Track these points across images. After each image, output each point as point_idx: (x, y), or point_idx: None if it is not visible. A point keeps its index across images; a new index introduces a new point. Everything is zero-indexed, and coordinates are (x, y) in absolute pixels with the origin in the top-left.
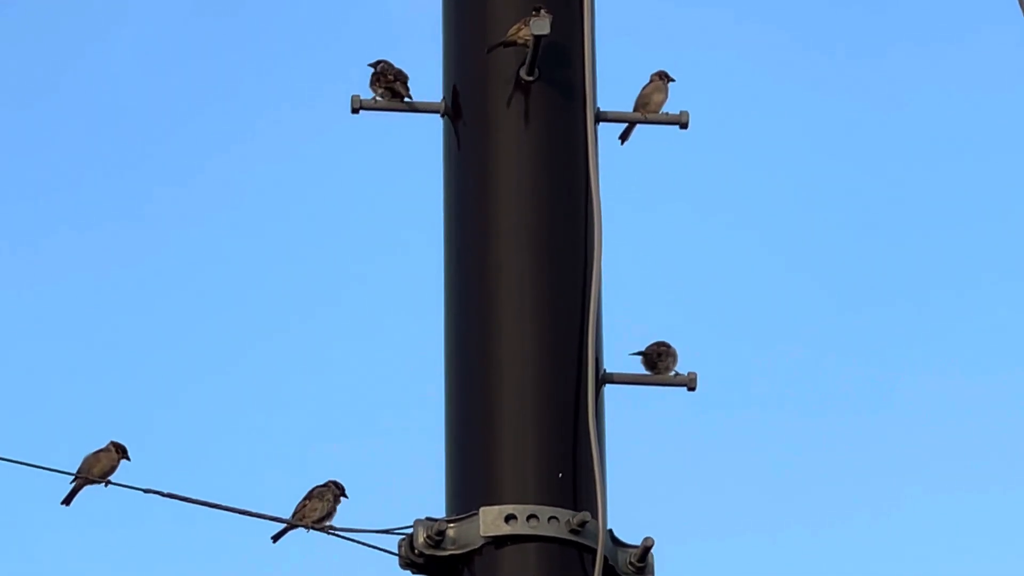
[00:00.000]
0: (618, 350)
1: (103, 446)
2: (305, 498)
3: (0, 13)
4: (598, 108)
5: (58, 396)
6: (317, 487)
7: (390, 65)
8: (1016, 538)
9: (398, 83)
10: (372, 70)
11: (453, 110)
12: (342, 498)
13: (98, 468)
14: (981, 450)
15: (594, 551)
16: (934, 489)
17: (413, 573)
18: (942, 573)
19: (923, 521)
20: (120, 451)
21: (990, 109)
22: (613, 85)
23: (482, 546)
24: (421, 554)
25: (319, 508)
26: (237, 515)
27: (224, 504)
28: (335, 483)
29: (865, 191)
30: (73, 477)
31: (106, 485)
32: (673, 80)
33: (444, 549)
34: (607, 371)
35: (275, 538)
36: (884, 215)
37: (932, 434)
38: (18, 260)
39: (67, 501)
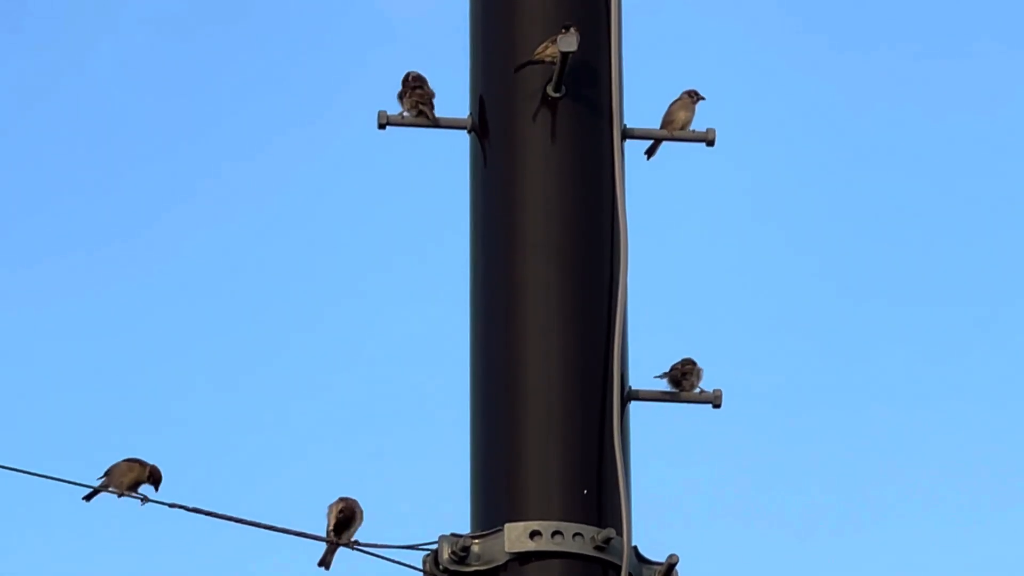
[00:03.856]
0: (644, 367)
1: (141, 460)
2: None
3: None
4: (625, 125)
5: (85, 411)
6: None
7: (420, 83)
8: None
9: (425, 104)
10: (400, 86)
11: (480, 126)
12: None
13: (128, 479)
14: (1011, 453)
15: (619, 568)
16: (963, 500)
17: None
18: None
19: (952, 528)
20: (152, 475)
21: (1014, 121)
22: (640, 102)
23: (507, 562)
24: (446, 570)
25: (330, 519)
26: (261, 530)
27: (248, 519)
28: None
29: (893, 209)
30: (101, 478)
31: (143, 502)
32: (703, 99)
33: (469, 565)
34: (632, 388)
35: (324, 564)
36: (911, 233)
37: (958, 444)
38: (43, 273)
39: (88, 498)
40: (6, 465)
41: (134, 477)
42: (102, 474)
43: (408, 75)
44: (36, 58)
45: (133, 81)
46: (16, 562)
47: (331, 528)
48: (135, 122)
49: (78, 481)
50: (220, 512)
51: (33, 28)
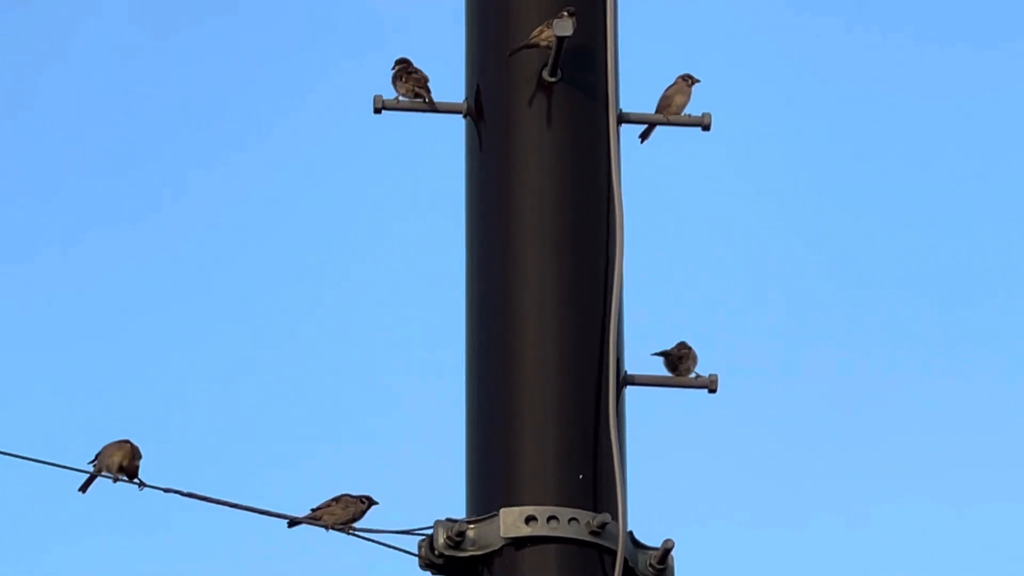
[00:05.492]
0: (639, 352)
1: (130, 442)
2: (332, 500)
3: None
4: (620, 109)
5: (80, 398)
6: (348, 496)
7: (414, 68)
8: None
9: (421, 88)
10: (395, 70)
11: (476, 111)
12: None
13: (115, 459)
14: (999, 448)
15: (614, 553)
16: (958, 488)
17: (433, 574)
18: (960, 570)
19: (948, 519)
20: (130, 469)
21: (1017, 109)
22: (636, 86)
23: (502, 547)
24: (441, 555)
25: (339, 516)
26: (257, 515)
27: (244, 504)
28: (370, 500)
29: (889, 193)
30: (92, 471)
31: (141, 488)
32: (698, 81)
33: (464, 550)
34: (628, 373)
35: (291, 524)
36: (909, 218)
37: (955, 434)
38: (40, 265)
39: (83, 488)
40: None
41: (121, 457)
42: (93, 457)
43: (399, 60)
44: (23, 42)
45: (125, 70)
46: (10, 548)
47: (341, 521)
48: (129, 113)
49: (71, 466)
50: (214, 496)
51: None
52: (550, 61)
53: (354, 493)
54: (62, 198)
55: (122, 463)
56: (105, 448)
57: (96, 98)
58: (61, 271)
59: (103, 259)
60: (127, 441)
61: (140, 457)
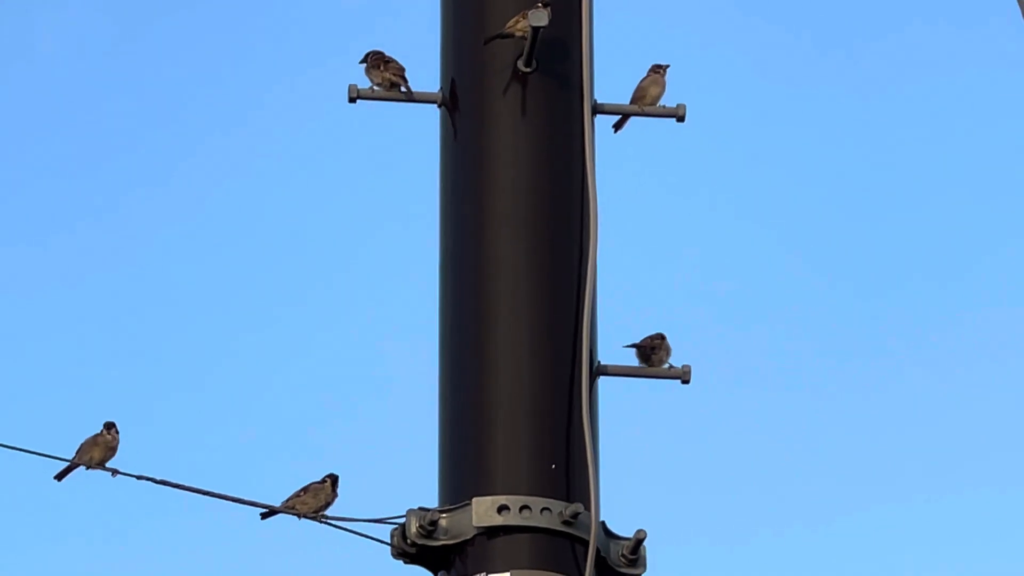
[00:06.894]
0: (612, 342)
1: (100, 432)
2: (301, 490)
3: None
4: (595, 100)
5: (56, 386)
6: (314, 483)
7: (390, 57)
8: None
9: (399, 76)
10: (369, 60)
11: (450, 100)
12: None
13: (96, 454)
14: (978, 444)
15: (586, 543)
16: (930, 484)
17: (405, 563)
18: (938, 569)
19: (918, 515)
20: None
21: (990, 103)
22: (611, 77)
23: (474, 536)
24: (413, 544)
25: (310, 504)
26: (230, 502)
27: (217, 491)
28: (331, 477)
29: (860, 183)
30: (70, 461)
31: (114, 475)
32: (668, 66)
33: (436, 539)
34: (601, 363)
35: (264, 516)
36: (880, 207)
37: (929, 428)
38: (23, 256)
39: (59, 477)
40: None
41: (100, 454)
42: (70, 461)
43: (370, 52)
44: None
45: (95, 60)
46: None
47: (313, 510)
48: (101, 104)
49: (42, 452)
50: (187, 484)
51: None
52: (525, 51)
53: (317, 480)
54: (41, 191)
55: (102, 460)
56: (83, 444)
57: (67, 92)
58: (36, 262)
59: (76, 252)
60: (100, 436)
61: (116, 449)
